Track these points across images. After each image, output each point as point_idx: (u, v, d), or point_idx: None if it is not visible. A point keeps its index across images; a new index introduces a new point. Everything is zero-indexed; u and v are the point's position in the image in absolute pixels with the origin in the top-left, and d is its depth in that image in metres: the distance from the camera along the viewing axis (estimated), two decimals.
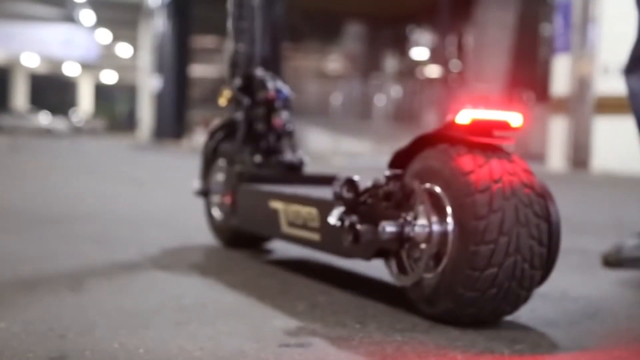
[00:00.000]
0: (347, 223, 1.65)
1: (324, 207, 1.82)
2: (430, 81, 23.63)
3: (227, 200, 2.50)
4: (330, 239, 1.81)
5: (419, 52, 27.19)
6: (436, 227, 1.54)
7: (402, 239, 1.58)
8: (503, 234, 1.45)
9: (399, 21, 27.55)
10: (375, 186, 1.66)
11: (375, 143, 16.26)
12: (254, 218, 2.29)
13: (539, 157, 12.86)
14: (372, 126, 17.31)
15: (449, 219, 1.52)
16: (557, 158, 10.56)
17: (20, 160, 9.72)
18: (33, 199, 4.52)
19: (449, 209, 1.53)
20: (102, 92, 63.73)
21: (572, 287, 2.04)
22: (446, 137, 1.58)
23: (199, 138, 18.59)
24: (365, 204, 1.68)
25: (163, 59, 27.07)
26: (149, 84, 30.90)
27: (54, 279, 2.02)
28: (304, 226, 1.92)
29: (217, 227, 2.64)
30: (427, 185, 1.58)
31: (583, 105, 10.03)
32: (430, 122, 19.82)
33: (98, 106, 61.92)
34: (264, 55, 3.19)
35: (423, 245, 1.56)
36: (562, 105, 10.43)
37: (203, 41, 28.11)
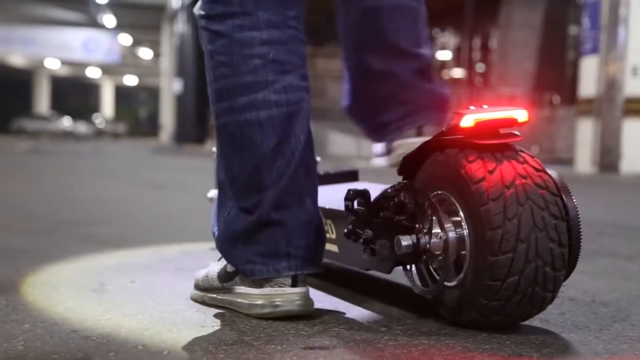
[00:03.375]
0: (362, 239, 1.60)
1: (339, 220, 1.81)
2: (455, 83, 23.53)
3: None
4: (348, 252, 1.80)
5: (443, 54, 27.12)
6: (452, 237, 1.52)
7: (418, 252, 1.56)
8: (521, 241, 1.42)
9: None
10: (387, 197, 1.61)
11: None
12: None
13: (567, 160, 12.77)
14: None
15: (465, 228, 1.50)
16: (585, 161, 10.48)
17: (43, 164, 9.80)
18: (55, 201, 4.56)
19: (463, 218, 1.51)
20: (123, 96, 64.17)
21: (602, 291, 2.03)
22: (453, 142, 1.54)
23: None
24: (378, 216, 1.62)
25: (185, 62, 27.21)
26: (171, 87, 31.07)
27: (77, 281, 2.03)
28: (332, 239, 1.88)
29: None
30: (439, 192, 1.56)
31: (612, 107, 9.95)
32: None
33: (119, 109, 62.35)
34: None
35: (440, 256, 1.54)
36: (590, 108, 10.34)
37: None
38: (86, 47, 42.14)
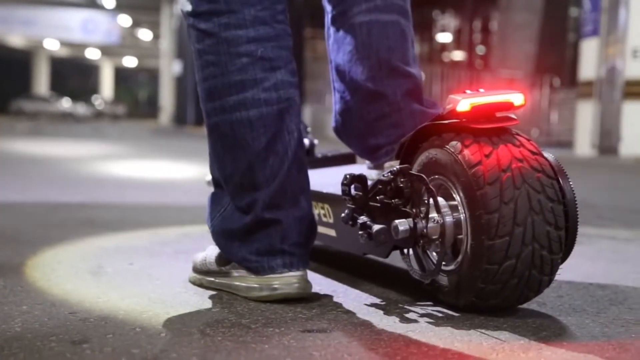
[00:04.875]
0: (359, 223, 1.61)
1: (336, 204, 1.82)
2: (455, 65, 23.48)
3: None
4: (345, 236, 1.80)
5: (443, 37, 27.02)
6: (449, 221, 1.53)
7: (415, 236, 1.55)
8: (518, 224, 1.43)
9: (423, 5, 27.35)
10: (384, 182, 1.61)
11: None
12: None
13: (567, 143, 12.77)
14: None
15: (461, 212, 1.51)
16: (584, 144, 10.47)
17: (42, 145, 9.80)
18: (53, 184, 4.55)
19: (460, 202, 1.51)
20: (123, 77, 64.02)
21: (599, 274, 2.03)
22: (450, 126, 1.55)
23: None
24: (375, 201, 1.63)
25: (184, 43, 27.06)
26: (171, 69, 30.98)
27: (75, 263, 2.04)
28: (320, 222, 1.89)
29: None
30: (436, 177, 1.57)
31: (612, 90, 9.93)
32: None
33: (119, 91, 62.23)
34: None
35: (437, 241, 1.55)
36: (590, 90, 10.32)
37: None
38: (85, 28, 41.95)
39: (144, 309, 1.50)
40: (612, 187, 5.52)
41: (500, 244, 1.43)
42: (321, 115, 19.33)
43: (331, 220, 1.88)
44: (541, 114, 17.65)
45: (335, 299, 1.64)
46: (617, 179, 6.60)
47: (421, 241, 1.58)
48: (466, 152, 1.49)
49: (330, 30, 1.96)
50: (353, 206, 1.63)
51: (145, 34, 49.75)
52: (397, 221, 1.55)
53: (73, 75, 60.99)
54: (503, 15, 21.43)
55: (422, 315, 1.51)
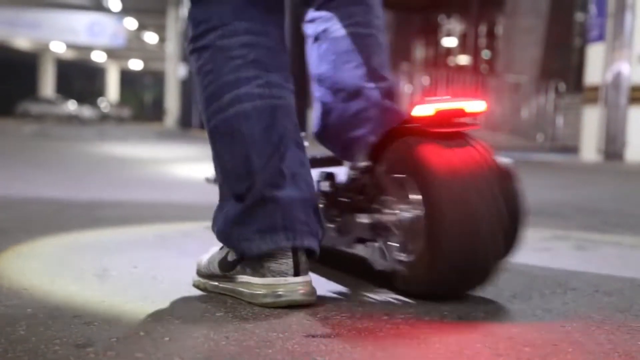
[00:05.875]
0: (328, 217, 1.80)
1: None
2: (461, 70, 23.45)
3: None
4: (338, 234, 1.92)
5: (449, 41, 27.01)
6: (408, 216, 1.67)
7: (377, 229, 1.72)
8: (468, 217, 1.58)
9: (429, 9, 27.37)
10: (351, 179, 1.81)
11: None
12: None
13: (572, 148, 12.74)
14: None
15: (419, 208, 1.64)
16: (590, 149, 10.44)
17: (47, 147, 9.81)
18: (59, 185, 4.56)
19: (418, 198, 1.65)
20: (128, 80, 64.12)
21: (605, 280, 2.02)
22: (412, 130, 1.72)
23: None
24: (344, 196, 1.82)
25: None
26: (176, 72, 31.01)
27: (80, 266, 2.03)
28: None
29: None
30: (398, 175, 1.71)
31: (617, 95, 9.91)
32: None
33: (124, 94, 62.33)
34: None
35: (397, 233, 1.70)
36: (595, 96, 10.30)
37: None
38: (91, 30, 42.04)
39: (148, 313, 1.50)
40: (618, 192, 5.51)
41: (453, 234, 1.59)
42: None
43: None
44: (546, 118, 17.62)
45: (339, 304, 1.63)
46: (623, 184, 6.58)
47: (383, 234, 1.73)
48: (424, 153, 1.64)
49: (313, 49, 2.08)
50: (324, 201, 1.82)
51: (151, 37, 49.85)
52: (359, 214, 1.74)
53: (79, 78, 61.11)
54: (508, 19, 21.41)
55: (426, 321, 1.50)
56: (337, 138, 2.03)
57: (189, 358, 1.20)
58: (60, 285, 1.75)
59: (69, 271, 1.95)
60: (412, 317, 1.53)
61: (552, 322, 1.53)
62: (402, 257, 1.68)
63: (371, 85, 1.96)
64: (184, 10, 27.92)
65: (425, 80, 19.05)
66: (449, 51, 27.06)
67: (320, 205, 1.76)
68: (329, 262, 2.05)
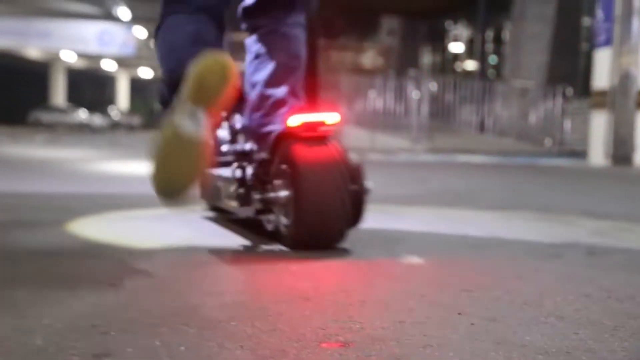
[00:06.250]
0: (241, 196, 2.57)
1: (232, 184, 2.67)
2: (468, 75, 23.42)
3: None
4: (239, 205, 2.62)
5: (456, 47, 27.01)
6: (286, 193, 2.45)
7: (267, 201, 2.52)
8: (325, 194, 2.38)
9: (436, 15, 27.37)
10: (257, 168, 2.59)
11: (411, 140, 16.16)
12: (209, 194, 3.05)
13: (580, 153, 12.69)
14: (408, 122, 17.19)
15: (293, 188, 2.40)
16: (598, 154, 10.41)
17: (58, 155, 9.83)
18: (70, 194, 4.57)
19: (291, 182, 2.42)
20: (138, 88, 64.23)
21: (617, 287, 2.01)
22: (290, 134, 2.50)
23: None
24: (252, 180, 2.58)
25: None
26: None
27: (95, 275, 2.03)
28: (230, 197, 2.68)
29: (203, 198, 3.38)
30: (283, 166, 2.47)
31: (626, 100, 9.87)
32: (466, 118, 19.61)
33: (134, 102, 62.45)
34: None
35: (281, 206, 2.49)
36: (603, 100, 10.27)
37: (237, 37, 28.08)
38: (101, 39, 42.14)
39: (163, 323, 1.50)
40: (628, 197, 5.48)
41: (314, 207, 2.37)
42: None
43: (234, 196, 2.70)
44: (554, 123, 17.57)
45: (348, 311, 1.63)
46: (632, 189, 6.55)
47: (270, 205, 2.53)
48: (296, 149, 2.43)
49: (252, 63, 2.87)
50: (238, 184, 2.57)
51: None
52: (254, 192, 2.55)
53: (89, 87, 61.23)
54: (515, 25, 21.38)
55: (436, 337, 1.50)
56: (255, 132, 2.76)
57: None
58: (77, 295, 1.75)
59: (86, 281, 1.95)
60: (428, 327, 1.52)
61: (564, 329, 1.53)
62: (284, 222, 2.47)
63: (289, 97, 2.72)
64: None
65: (433, 86, 18.99)
66: (456, 57, 27.05)
67: (236, 188, 2.58)
68: (243, 225, 2.91)
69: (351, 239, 2.51)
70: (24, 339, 1.36)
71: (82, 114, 45.68)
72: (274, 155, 2.55)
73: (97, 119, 46.29)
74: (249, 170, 2.60)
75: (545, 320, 1.58)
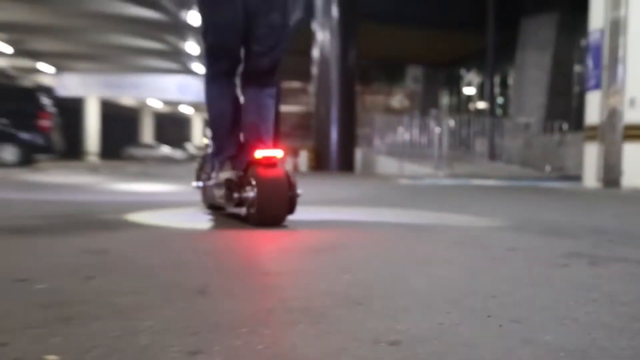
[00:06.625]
0: (227, 196, 3.70)
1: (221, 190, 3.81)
2: (479, 114, 23.25)
3: (203, 188, 4.40)
4: (226, 203, 3.77)
5: (469, 90, 26.84)
6: (252, 195, 3.46)
7: (241, 199, 3.58)
8: (274, 196, 3.42)
9: (452, 64, 27.27)
10: (237, 180, 3.68)
11: (434, 167, 16.07)
12: (208, 196, 4.26)
13: (576, 177, 12.48)
14: (431, 152, 17.11)
15: (257, 192, 3.42)
16: (591, 178, 10.24)
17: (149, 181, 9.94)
18: (159, 213, 4.60)
19: (255, 188, 3.42)
20: None
21: (618, 293, 1.95)
22: (255, 162, 3.54)
23: (289, 163, 18.69)
24: (232, 187, 3.68)
25: None
26: None
27: (185, 284, 2.02)
28: (220, 198, 3.82)
29: (204, 201, 4.49)
30: (251, 180, 3.48)
31: (613, 133, 9.71)
32: (479, 149, 19.45)
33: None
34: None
35: (249, 202, 3.51)
36: (594, 134, 10.12)
37: (291, 85, 28.36)
38: (180, 89, 42.80)
39: (242, 324, 1.48)
40: (620, 214, 5.35)
41: (268, 203, 3.41)
42: (372, 156, 19.26)
43: (224, 197, 3.78)
44: (553, 152, 17.36)
45: (403, 313, 1.60)
46: (622, 207, 6.40)
47: (243, 201, 3.57)
48: (258, 171, 3.47)
49: (245, 108, 3.90)
50: (225, 190, 3.70)
51: None
52: (235, 194, 3.61)
53: (171, 127, 62.11)
54: (518, 72, 21.22)
55: (474, 334, 1.46)
56: (238, 158, 3.79)
57: None
58: (171, 301, 1.74)
59: (177, 289, 1.94)
60: (476, 321, 1.49)
61: (579, 330, 1.48)
62: (252, 211, 3.47)
63: (258, 142, 3.69)
64: None
65: (451, 122, 18.91)
66: (469, 98, 26.87)
67: (224, 191, 3.73)
68: (227, 215, 4.04)
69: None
70: (132, 338, 1.35)
71: (166, 149, 46.25)
72: (246, 173, 3.61)
73: (178, 153, 46.84)
74: (232, 182, 3.70)
75: (562, 322, 1.54)
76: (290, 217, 3.59)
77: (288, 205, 3.44)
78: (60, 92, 38.59)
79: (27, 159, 17.76)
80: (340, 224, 3.85)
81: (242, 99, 3.82)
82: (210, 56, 3.74)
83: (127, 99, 50.20)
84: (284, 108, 29.42)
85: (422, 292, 1.85)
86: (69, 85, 41.34)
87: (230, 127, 3.79)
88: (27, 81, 44.48)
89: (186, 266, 2.29)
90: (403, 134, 18.81)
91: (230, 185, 3.65)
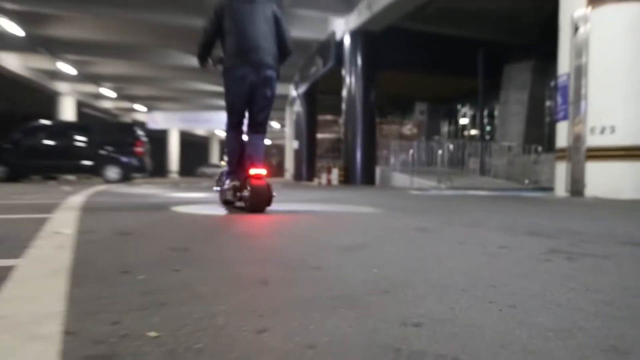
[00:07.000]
0: (233, 194, 4.75)
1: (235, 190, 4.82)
2: (472, 139, 23.00)
3: (220, 191, 5.27)
4: (233, 198, 4.80)
5: (464, 120, 26.57)
6: (247, 194, 4.37)
7: (242, 197, 4.49)
8: (259, 196, 4.39)
9: (451, 101, 27.08)
10: (239, 184, 4.65)
11: (437, 180, 15.95)
12: (222, 196, 5.09)
13: (548, 188, 12.22)
14: (435, 169, 16.96)
15: (250, 192, 4.34)
16: (561, 189, 10.06)
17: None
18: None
19: (249, 189, 4.39)
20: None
21: (592, 282, 1.88)
22: (250, 177, 4.46)
23: (322, 178, 18.68)
24: (236, 188, 4.69)
25: (300, 128, 27.47)
26: (291, 145, 31.45)
27: (246, 277, 1.99)
28: (231, 196, 4.82)
29: (222, 200, 5.16)
30: (247, 186, 4.39)
31: (578, 154, 9.54)
32: (472, 166, 19.24)
33: None
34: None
35: (245, 197, 4.42)
36: (563, 154, 9.96)
37: (325, 117, 28.41)
38: None
39: (297, 308, 1.45)
40: (587, 217, 5.20)
41: (256, 199, 4.38)
42: (388, 173, 19.17)
43: (235, 196, 4.79)
44: (530, 169, 17.10)
45: (424, 300, 1.56)
46: (587, 212, 6.22)
47: (241, 197, 4.51)
48: (251, 181, 4.41)
49: (248, 143, 4.81)
50: (231, 190, 4.70)
51: (275, 124, 50.79)
52: (238, 194, 4.58)
53: None
54: (502, 106, 20.97)
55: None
56: (239, 172, 4.69)
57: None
58: (236, 291, 1.72)
59: (242, 281, 1.92)
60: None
61: (563, 313, 1.44)
62: (247, 204, 4.28)
63: (254, 162, 4.62)
64: (296, 107, 28.39)
65: (450, 146, 18.77)
66: (464, 127, 26.60)
67: (232, 192, 4.64)
68: (234, 207, 4.74)
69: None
70: (211, 320, 1.35)
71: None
72: (244, 182, 4.59)
73: None
74: (237, 187, 4.73)
75: (549, 307, 1.49)
76: (338, 226, 3.54)
77: (268, 202, 4.48)
78: (150, 126, 39.21)
79: (126, 177, 18.31)
80: (369, 228, 3.79)
81: (245, 139, 4.82)
82: (228, 113, 4.79)
83: (199, 130, 50.95)
84: (320, 136, 29.59)
85: (435, 282, 1.82)
86: (157, 120, 41.98)
87: (238, 156, 4.79)
88: (126, 118, 45.46)
89: (249, 260, 2.28)
90: (413, 155, 18.68)
91: (235, 189, 4.76)
